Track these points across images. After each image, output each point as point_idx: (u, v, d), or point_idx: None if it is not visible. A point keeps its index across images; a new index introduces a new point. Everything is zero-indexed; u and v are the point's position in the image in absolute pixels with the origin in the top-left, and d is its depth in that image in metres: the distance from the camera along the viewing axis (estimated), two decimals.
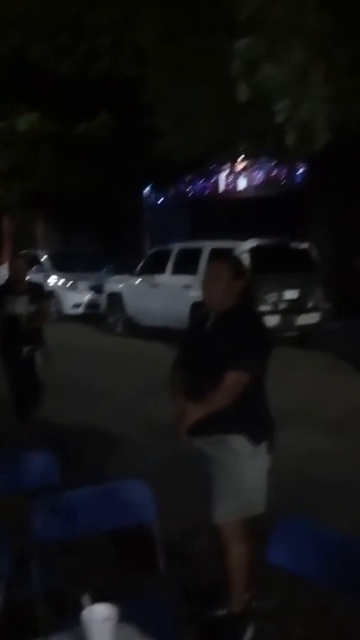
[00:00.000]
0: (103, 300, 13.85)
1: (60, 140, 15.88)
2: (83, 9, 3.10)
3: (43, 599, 2.32)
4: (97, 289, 14.59)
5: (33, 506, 2.46)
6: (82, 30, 3.27)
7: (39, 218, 21.94)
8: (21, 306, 5.78)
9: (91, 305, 14.77)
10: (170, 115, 3.25)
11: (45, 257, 16.38)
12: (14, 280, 5.97)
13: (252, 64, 3.58)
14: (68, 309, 15.06)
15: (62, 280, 15.35)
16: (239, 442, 2.89)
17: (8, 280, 6.18)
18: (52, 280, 15.51)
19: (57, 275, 15.56)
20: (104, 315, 13.74)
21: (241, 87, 3.78)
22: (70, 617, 2.18)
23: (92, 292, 14.92)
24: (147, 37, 3.03)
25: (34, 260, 16.30)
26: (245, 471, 2.91)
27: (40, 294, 6.21)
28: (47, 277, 15.63)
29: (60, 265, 15.92)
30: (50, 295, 6.83)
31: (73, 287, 15.20)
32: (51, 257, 16.32)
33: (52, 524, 2.46)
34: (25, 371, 5.85)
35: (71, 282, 15.27)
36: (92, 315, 14.49)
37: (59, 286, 15.33)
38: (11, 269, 6.11)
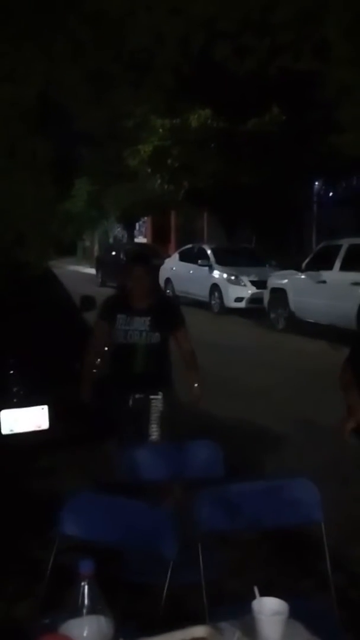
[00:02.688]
0: (266, 295, 13.84)
1: (230, 137, 16.05)
2: (269, 5, 3.11)
3: (206, 586, 2.37)
4: (259, 283, 14.60)
5: (199, 496, 2.52)
6: (266, 28, 3.27)
7: (204, 212, 22.37)
8: (138, 332, 4.00)
9: (254, 299, 14.80)
10: (353, 109, 3.19)
11: (209, 251, 16.67)
12: (132, 294, 4.07)
13: None
14: (231, 302, 15.20)
15: (225, 274, 15.55)
16: None
17: (121, 293, 4.28)
18: (216, 273, 15.76)
19: (220, 269, 15.79)
20: (267, 310, 13.72)
21: None
22: (230, 606, 2.23)
23: (254, 287, 14.96)
24: (334, 30, 2.98)
25: (200, 254, 16.67)
26: None
27: (172, 316, 4.17)
28: (211, 270, 15.92)
29: (223, 259, 16.12)
30: (183, 317, 4.27)
31: (236, 281, 15.33)
32: (214, 251, 16.58)
33: (216, 515, 2.51)
34: (130, 429, 4.03)
35: (234, 276, 15.41)
36: (254, 310, 14.54)
37: (222, 279, 15.54)
38: (126, 276, 4.13)
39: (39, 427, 4.82)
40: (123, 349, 4.03)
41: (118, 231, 31.86)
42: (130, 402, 4.03)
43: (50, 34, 3.43)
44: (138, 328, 4.00)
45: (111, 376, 4.14)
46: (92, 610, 1.57)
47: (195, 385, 4.19)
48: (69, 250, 31.55)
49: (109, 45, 3.47)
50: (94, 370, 4.30)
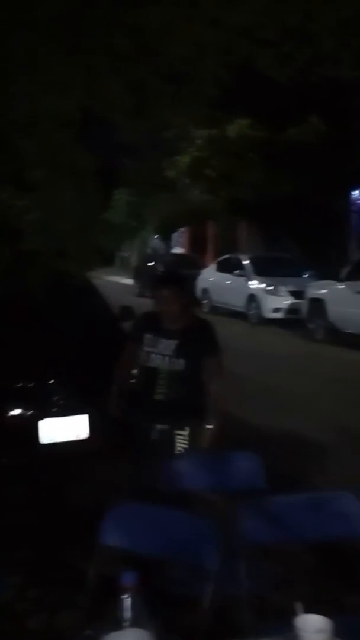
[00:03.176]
0: (304, 305, 13.71)
1: (269, 146, 15.99)
2: (309, 14, 3.09)
3: (248, 600, 2.34)
4: (298, 294, 14.48)
5: (241, 507, 2.50)
6: (307, 36, 3.25)
7: (243, 222, 22.32)
8: (161, 356, 3.66)
9: (292, 310, 14.69)
10: None
11: (247, 261, 16.61)
12: (164, 314, 3.74)
13: None
14: (268, 313, 15.11)
15: (262, 284, 15.47)
16: None
17: (152, 312, 3.91)
18: (253, 284, 15.69)
19: (258, 279, 15.71)
20: (305, 321, 13.60)
21: None
22: (273, 622, 2.19)
23: (292, 297, 14.84)
24: None
25: (238, 264, 16.62)
26: None
27: (204, 343, 3.70)
28: (249, 280, 15.85)
29: (261, 269, 16.04)
30: (218, 347, 3.74)
31: (274, 291, 15.24)
32: (252, 261, 16.52)
33: (258, 527, 2.48)
34: (150, 464, 3.35)
35: (272, 286, 15.32)
36: (292, 321, 14.42)
37: (259, 290, 15.46)
38: (156, 298, 3.82)
39: (79, 436, 4.84)
40: (145, 372, 3.74)
41: (156, 241, 32.00)
42: (154, 434, 3.66)
43: (91, 48, 3.46)
44: (162, 351, 3.64)
45: (133, 400, 3.83)
46: (135, 623, 1.56)
47: (208, 427, 3.63)
48: (107, 260, 31.76)
49: (149, 57, 3.49)
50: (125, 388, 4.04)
